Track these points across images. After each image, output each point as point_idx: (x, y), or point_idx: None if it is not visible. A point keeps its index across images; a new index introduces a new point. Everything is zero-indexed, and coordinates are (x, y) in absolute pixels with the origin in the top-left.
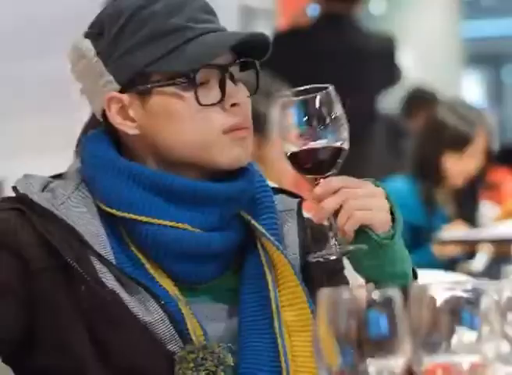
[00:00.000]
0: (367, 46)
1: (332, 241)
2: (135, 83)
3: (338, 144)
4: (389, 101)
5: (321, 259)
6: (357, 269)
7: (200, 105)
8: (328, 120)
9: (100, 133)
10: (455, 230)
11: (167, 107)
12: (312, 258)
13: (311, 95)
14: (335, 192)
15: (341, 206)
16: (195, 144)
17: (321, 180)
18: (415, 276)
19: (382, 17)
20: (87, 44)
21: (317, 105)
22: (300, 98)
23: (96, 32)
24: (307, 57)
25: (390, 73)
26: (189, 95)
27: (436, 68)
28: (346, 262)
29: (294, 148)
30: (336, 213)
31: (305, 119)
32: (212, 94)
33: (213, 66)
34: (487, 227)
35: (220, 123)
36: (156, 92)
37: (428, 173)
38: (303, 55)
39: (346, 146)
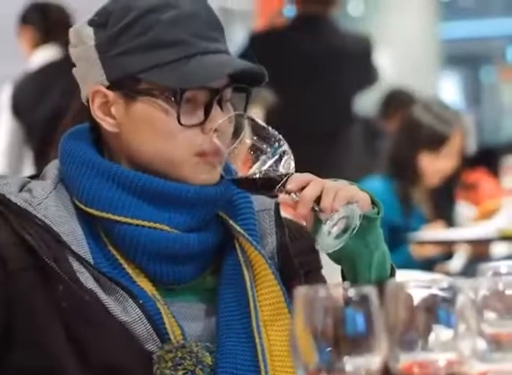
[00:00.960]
0: (343, 47)
1: (329, 216)
2: (124, 84)
3: (276, 164)
4: (367, 103)
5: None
6: (341, 257)
7: (181, 124)
8: (260, 142)
9: (80, 129)
10: (433, 231)
11: (149, 117)
12: (319, 245)
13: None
14: (304, 187)
15: (321, 193)
16: (166, 159)
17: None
18: (393, 274)
19: (359, 18)
20: (89, 32)
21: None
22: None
23: (101, 22)
24: (284, 58)
25: (367, 74)
26: (172, 111)
27: (414, 69)
28: (323, 260)
29: (237, 175)
30: (317, 201)
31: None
32: (196, 113)
33: (204, 88)
34: (464, 228)
35: (196, 144)
36: (142, 99)
37: (404, 172)
38: (279, 56)
39: (286, 164)
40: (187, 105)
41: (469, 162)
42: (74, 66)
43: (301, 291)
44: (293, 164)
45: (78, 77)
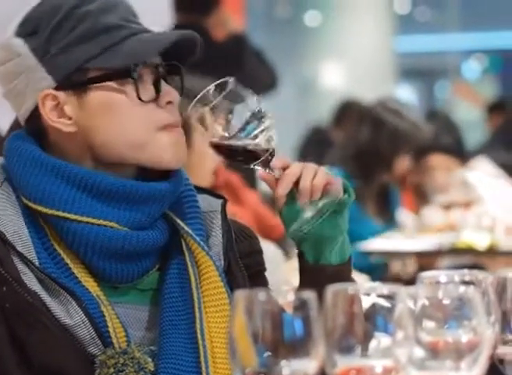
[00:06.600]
0: (213, 55)
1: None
2: (72, 80)
3: (258, 136)
4: (322, 113)
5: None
6: (309, 239)
7: (140, 100)
8: (245, 110)
9: (23, 133)
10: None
11: (106, 101)
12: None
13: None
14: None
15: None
16: (130, 141)
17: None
18: (350, 261)
19: (316, 29)
20: (19, 43)
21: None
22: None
23: (29, 30)
24: None
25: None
26: (129, 90)
27: (369, 81)
28: (267, 263)
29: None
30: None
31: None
32: (147, 91)
33: (149, 64)
34: (412, 239)
35: (156, 119)
36: (94, 88)
37: (378, 173)
38: None
39: (269, 138)
40: (138, 83)
41: None
42: None
43: (241, 295)
44: (275, 139)
45: (14, 94)
